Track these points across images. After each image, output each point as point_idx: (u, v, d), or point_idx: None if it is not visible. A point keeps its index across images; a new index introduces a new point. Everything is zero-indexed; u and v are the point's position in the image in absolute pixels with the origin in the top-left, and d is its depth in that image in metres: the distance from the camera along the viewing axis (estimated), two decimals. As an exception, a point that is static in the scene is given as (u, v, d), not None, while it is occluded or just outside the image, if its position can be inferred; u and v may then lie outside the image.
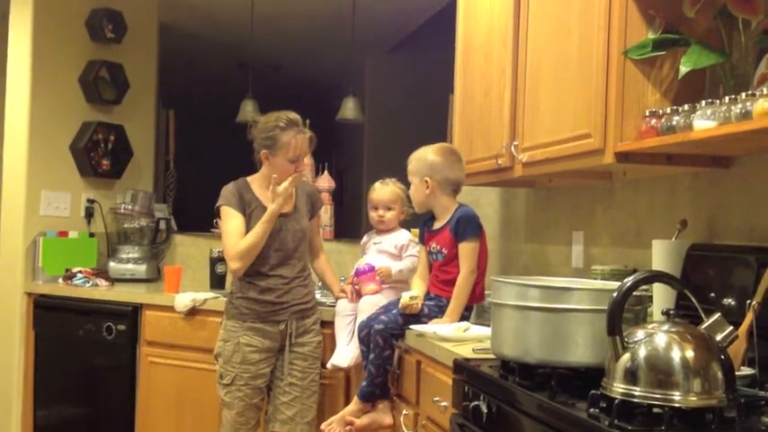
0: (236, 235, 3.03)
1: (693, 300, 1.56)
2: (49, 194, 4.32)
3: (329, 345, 3.21)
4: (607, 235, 2.82)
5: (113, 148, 4.50)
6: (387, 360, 2.76)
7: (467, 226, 2.75)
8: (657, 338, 1.47)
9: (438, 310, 2.77)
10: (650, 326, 1.51)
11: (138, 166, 4.72)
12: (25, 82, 4.23)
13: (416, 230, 3.15)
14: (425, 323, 2.69)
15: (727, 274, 1.99)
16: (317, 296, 3.65)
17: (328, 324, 3.24)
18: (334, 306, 3.26)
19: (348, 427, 2.81)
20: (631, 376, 1.46)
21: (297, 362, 3.13)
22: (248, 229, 3.05)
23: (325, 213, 4.11)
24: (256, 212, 3.07)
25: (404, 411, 2.66)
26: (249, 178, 3.16)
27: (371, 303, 3.03)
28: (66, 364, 4.06)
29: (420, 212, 2.95)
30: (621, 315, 1.49)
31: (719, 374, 1.44)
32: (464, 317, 2.75)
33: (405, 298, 2.77)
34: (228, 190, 3.10)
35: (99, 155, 4.45)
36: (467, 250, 2.73)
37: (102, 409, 3.95)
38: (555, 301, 1.77)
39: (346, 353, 3.11)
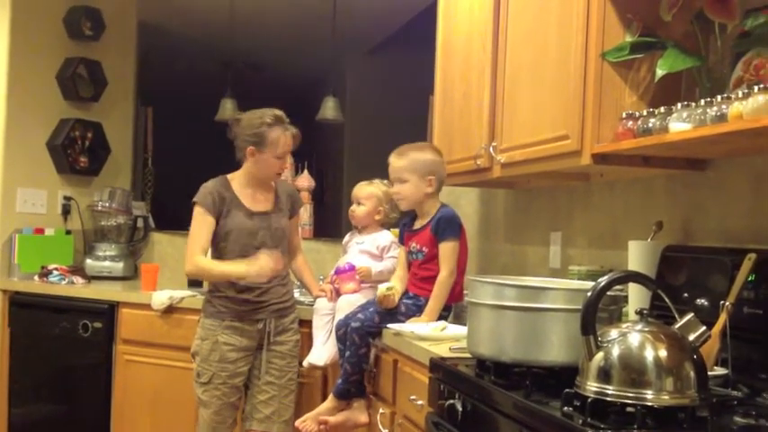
0: (201, 238, 3.02)
1: (667, 300, 1.57)
2: (26, 191, 4.29)
3: (307, 343, 3.21)
4: (584, 236, 2.84)
5: (91, 145, 4.48)
6: (363, 358, 2.77)
7: (447, 226, 2.76)
8: (631, 338, 1.48)
9: (416, 309, 2.77)
10: (624, 325, 1.53)
11: (115, 164, 4.69)
12: (2, 78, 4.19)
13: (396, 230, 3.15)
14: (403, 321, 2.70)
15: (701, 275, 2.02)
16: (296, 295, 3.65)
17: (307, 323, 3.24)
18: (312, 305, 3.26)
19: (322, 426, 2.81)
20: (604, 375, 1.47)
21: (275, 360, 3.13)
22: (222, 226, 3.04)
23: (305, 212, 4.11)
24: (235, 211, 3.06)
25: (380, 410, 2.66)
26: (230, 176, 3.14)
27: (350, 302, 3.03)
28: (41, 362, 4.02)
29: (405, 210, 2.95)
30: (595, 315, 1.50)
31: (692, 374, 1.46)
32: (442, 316, 2.76)
33: (381, 289, 2.77)
34: (207, 188, 3.08)
35: (76, 152, 4.42)
36: (447, 250, 2.74)
37: (78, 408, 3.92)
38: (531, 301, 1.78)
39: (323, 351, 3.11)
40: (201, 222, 3.04)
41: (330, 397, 2.86)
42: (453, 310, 2.76)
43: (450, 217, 2.79)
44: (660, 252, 2.20)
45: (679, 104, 1.89)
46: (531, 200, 3.21)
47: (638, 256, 2.25)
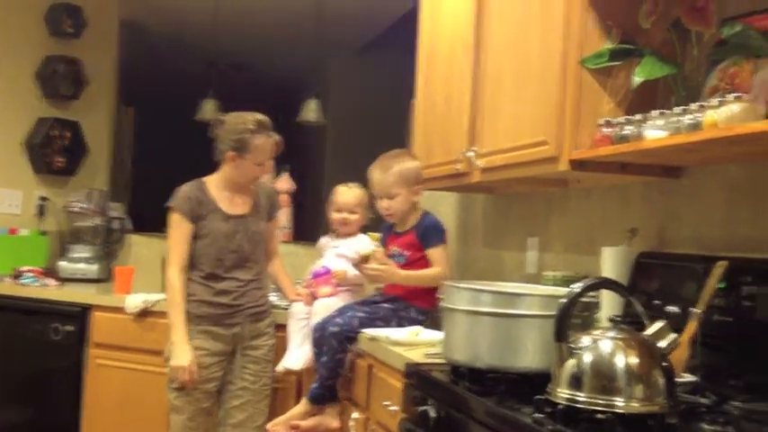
0: (179, 249, 3.01)
1: (638, 307, 1.57)
2: (1, 191, 4.23)
3: (282, 348, 3.18)
4: (561, 241, 2.84)
5: (68, 145, 4.43)
6: (339, 363, 2.75)
7: (434, 234, 2.82)
8: (602, 345, 1.47)
9: (392, 314, 2.77)
10: (596, 332, 1.52)
11: (93, 164, 4.64)
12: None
13: (374, 234, 3.13)
14: (380, 326, 2.69)
15: (673, 282, 2.02)
16: (273, 298, 3.62)
17: (282, 327, 3.21)
18: (288, 309, 3.23)
19: (294, 430, 2.79)
20: (576, 382, 1.46)
21: (249, 365, 3.10)
22: (199, 230, 3.02)
23: (284, 215, 4.08)
24: (212, 215, 3.03)
25: (354, 415, 2.64)
26: (206, 179, 3.11)
27: (326, 306, 3.01)
28: (11, 365, 3.94)
29: (394, 222, 2.94)
30: (569, 322, 1.50)
31: (661, 381, 1.46)
32: (419, 321, 2.75)
33: (368, 249, 2.79)
34: (183, 193, 3.04)
35: (53, 152, 4.37)
36: (439, 254, 2.79)
37: (48, 412, 3.85)
38: (506, 307, 1.78)
39: (299, 355, 3.08)
40: (179, 231, 3.01)
41: (303, 401, 2.84)
42: (430, 316, 2.75)
43: (436, 224, 2.85)
44: (633, 258, 2.20)
45: (655, 112, 1.89)
46: (510, 205, 3.21)
47: (611, 261, 2.25)
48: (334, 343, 2.72)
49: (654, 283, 2.07)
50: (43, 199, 4.40)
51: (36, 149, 4.31)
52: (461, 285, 1.87)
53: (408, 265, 2.81)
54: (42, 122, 4.35)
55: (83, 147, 4.54)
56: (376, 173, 2.88)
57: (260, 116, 3.04)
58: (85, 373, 3.76)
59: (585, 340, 1.50)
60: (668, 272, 2.04)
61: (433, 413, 1.82)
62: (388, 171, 2.85)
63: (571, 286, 1.55)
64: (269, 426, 2.89)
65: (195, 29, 5.19)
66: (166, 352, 3.06)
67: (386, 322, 2.74)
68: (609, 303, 2.12)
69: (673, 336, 1.53)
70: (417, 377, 2.03)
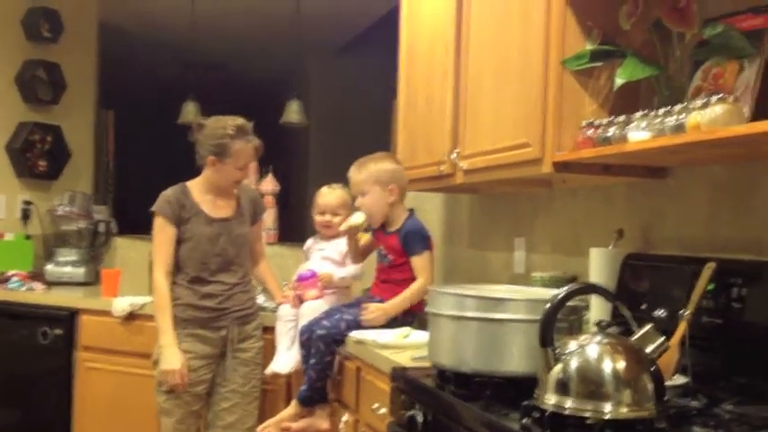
0: (164, 254, 3.01)
1: (625, 312, 1.57)
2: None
3: (270, 350, 3.18)
4: (547, 242, 2.84)
5: (50, 148, 4.41)
6: (327, 365, 2.75)
7: (416, 240, 2.79)
8: (589, 350, 1.47)
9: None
10: (582, 337, 1.52)
11: (76, 168, 4.62)
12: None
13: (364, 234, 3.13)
14: (366, 328, 2.68)
15: (661, 284, 2.02)
16: (260, 301, 3.62)
17: (270, 329, 3.21)
18: (276, 311, 3.23)
19: None
20: (563, 388, 1.46)
21: (238, 368, 3.10)
22: (183, 233, 3.02)
23: (269, 217, 4.07)
24: (195, 219, 3.03)
25: (344, 417, 2.64)
26: (189, 183, 3.10)
27: (313, 308, 3.01)
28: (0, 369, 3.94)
29: (375, 225, 2.93)
30: (553, 327, 1.50)
31: (649, 386, 1.46)
32: (407, 323, 2.75)
33: (356, 222, 2.82)
34: (165, 197, 3.04)
35: (35, 156, 4.35)
36: (421, 263, 2.77)
37: (38, 416, 3.85)
38: (491, 311, 1.78)
39: (287, 359, 3.08)
40: (162, 235, 3.02)
41: (293, 403, 2.84)
42: (418, 318, 2.75)
43: (417, 230, 2.82)
44: (621, 260, 2.21)
45: (638, 114, 1.89)
46: (495, 205, 3.21)
47: (599, 263, 2.25)
48: (322, 346, 2.72)
49: (642, 285, 2.07)
50: (27, 203, 4.38)
51: (17, 154, 4.29)
52: (446, 290, 1.87)
53: (393, 267, 2.81)
54: (23, 127, 4.33)
55: (65, 150, 4.52)
56: (352, 170, 2.90)
57: (240, 120, 3.03)
58: (75, 376, 3.77)
59: (572, 345, 1.50)
60: (656, 274, 2.05)
61: (420, 418, 1.83)
62: (361, 169, 2.87)
63: (555, 292, 1.55)
64: (259, 428, 2.90)
65: (173, 31, 5.16)
66: (155, 355, 3.06)
67: (371, 325, 2.73)
68: (598, 306, 2.13)
69: (660, 339, 1.54)
70: (404, 381, 2.03)
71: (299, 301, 3.10)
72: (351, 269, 3.17)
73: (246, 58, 5.49)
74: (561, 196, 2.74)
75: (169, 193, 3.06)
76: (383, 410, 2.23)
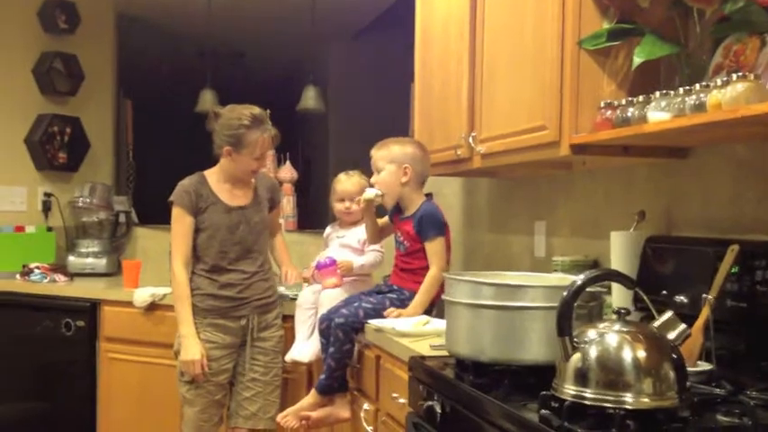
0: (182, 245, 3.01)
1: (645, 298, 1.53)
2: (4, 189, 4.23)
3: (291, 339, 3.17)
4: (568, 225, 2.80)
5: (70, 140, 4.42)
6: (346, 354, 2.73)
7: (429, 225, 2.73)
8: (608, 338, 1.44)
9: (400, 305, 2.73)
10: (601, 325, 1.48)
11: (95, 158, 4.63)
12: (-25, 74, 4.12)
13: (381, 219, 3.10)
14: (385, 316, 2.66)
15: (684, 267, 1.98)
16: (281, 290, 3.61)
17: (290, 318, 3.20)
18: (296, 299, 3.22)
19: (304, 421, 2.78)
20: (582, 378, 1.43)
21: (259, 357, 3.09)
22: (201, 223, 3.01)
23: (288, 204, 4.06)
24: (213, 208, 3.02)
25: (364, 406, 2.62)
26: (206, 172, 3.09)
27: (332, 297, 2.99)
28: (25, 361, 3.98)
29: (389, 207, 2.90)
30: (571, 315, 1.46)
31: (672, 374, 1.42)
32: (426, 311, 2.72)
33: (369, 195, 2.78)
34: (183, 187, 3.04)
35: (55, 148, 4.36)
36: (434, 249, 2.71)
37: (64, 407, 3.89)
38: (508, 299, 1.74)
39: (307, 347, 3.07)
40: (180, 225, 3.01)
41: (312, 392, 2.82)
42: (437, 306, 2.72)
43: (432, 214, 2.76)
44: (642, 242, 2.16)
45: (657, 93, 1.84)
46: (515, 189, 3.17)
47: (620, 246, 2.21)
48: (341, 334, 2.70)
49: (664, 268, 2.02)
50: (48, 195, 4.39)
51: (37, 146, 4.30)
52: (462, 278, 1.83)
53: (410, 254, 2.78)
54: (41, 119, 4.34)
55: (84, 142, 4.52)
56: (374, 148, 2.88)
57: (256, 110, 3.00)
58: (98, 367, 3.79)
59: (591, 334, 1.47)
60: (678, 256, 2.00)
61: (438, 408, 1.80)
62: (381, 147, 2.85)
63: (573, 278, 1.51)
64: (279, 417, 2.89)
65: (190, 20, 5.13)
66: (176, 346, 3.07)
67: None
68: (619, 291, 2.08)
69: (682, 326, 1.50)
70: (422, 371, 2.00)
71: (314, 279, 3.08)
72: (370, 257, 3.14)
73: (264, 44, 5.45)
74: (581, 179, 2.69)
75: (186, 182, 3.05)
76: (402, 400, 2.21)
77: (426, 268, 2.72)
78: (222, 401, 3.10)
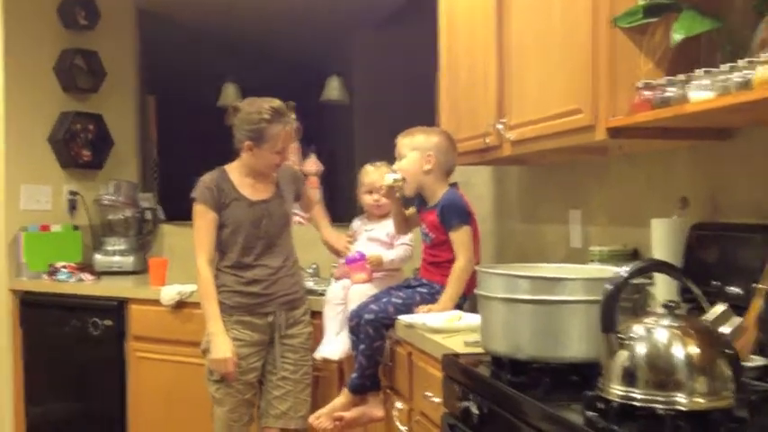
0: (205, 241, 2.96)
1: (695, 290, 1.43)
2: (29, 188, 4.20)
3: (320, 335, 3.10)
4: (605, 213, 2.69)
5: (93, 138, 4.38)
6: (377, 351, 2.66)
7: (452, 214, 2.64)
8: (657, 334, 1.34)
9: (430, 299, 2.65)
10: (648, 320, 1.39)
11: (120, 155, 4.59)
12: (-1, 73, 4.09)
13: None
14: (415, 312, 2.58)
15: (733, 255, 1.87)
16: (310, 284, 3.55)
17: (319, 314, 3.13)
18: (324, 294, 3.15)
19: (337, 422, 2.71)
20: (630, 377, 1.33)
21: (288, 354, 3.03)
22: (224, 218, 2.96)
23: (314, 198, 3.97)
24: (235, 203, 2.97)
25: (397, 405, 2.55)
26: (228, 167, 3.04)
27: (361, 292, 2.92)
28: (55, 360, 3.97)
29: (409, 194, 2.82)
30: (615, 310, 1.37)
31: (727, 371, 1.32)
32: (458, 305, 2.64)
33: (388, 180, 2.72)
34: (204, 183, 2.98)
35: (79, 145, 4.32)
36: (459, 238, 2.62)
37: (94, 405, 3.87)
38: (546, 293, 1.65)
39: (337, 344, 3.00)
40: (203, 222, 2.96)
41: (344, 391, 2.75)
42: (469, 299, 2.63)
43: (453, 202, 2.67)
44: (686, 230, 2.05)
45: (699, 71, 1.73)
46: (547, 176, 3.06)
47: (662, 235, 2.11)
48: (371, 331, 2.62)
49: (711, 257, 1.91)
50: (73, 193, 4.36)
51: (61, 144, 4.26)
52: (496, 271, 1.74)
53: (436, 247, 2.70)
54: (64, 117, 4.30)
55: (108, 139, 4.48)
56: (399, 136, 2.80)
57: (276, 102, 2.94)
58: (127, 366, 3.76)
59: (638, 329, 1.37)
60: (726, 244, 1.89)
61: (475, 410, 1.72)
62: (408, 134, 2.78)
63: (616, 270, 1.41)
64: (311, 418, 2.82)
65: (211, 11, 5.07)
66: (204, 344, 3.02)
67: (423, 307, 2.62)
68: (664, 282, 1.97)
69: (737, 320, 1.40)
70: (456, 369, 1.91)
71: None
72: (400, 251, 3.06)
73: (286, 36, 5.36)
74: (618, 163, 2.58)
75: (207, 178, 3.00)
76: (437, 399, 2.13)
77: (454, 260, 2.63)
78: (252, 400, 3.04)
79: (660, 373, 1.31)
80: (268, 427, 3.04)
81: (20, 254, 4.09)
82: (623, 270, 1.40)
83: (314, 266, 3.74)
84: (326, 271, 3.76)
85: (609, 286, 1.38)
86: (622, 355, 1.35)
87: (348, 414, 2.72)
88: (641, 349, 1.34)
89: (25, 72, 4.17)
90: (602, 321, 1.36)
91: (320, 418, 2.76)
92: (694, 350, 1.32)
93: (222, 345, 2.90)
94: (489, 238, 3.47)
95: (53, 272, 4.04)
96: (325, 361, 3.04)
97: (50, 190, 4.30)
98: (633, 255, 2.49)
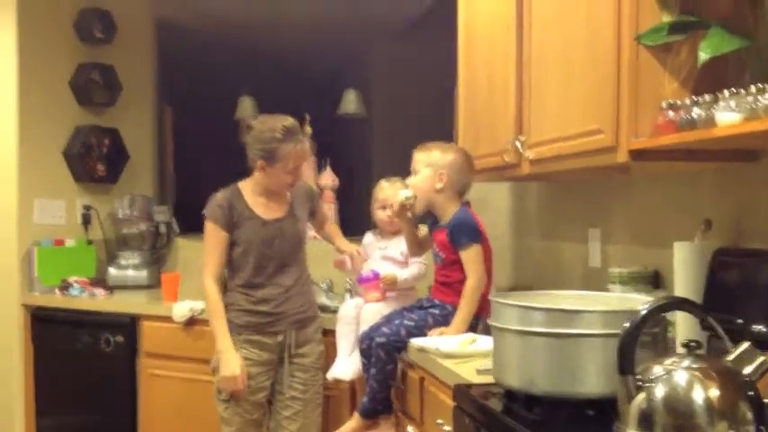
0: (214, 259, 2.92)
1: (718, 329, 1.35)
2: (43, 202, 4.17)
3: (332, 353, 3.03)
4: (625, 232, 2.60)
5: (108, 152, 4.35)
6: (389, 375, 2.59)
7: (461, 233, 2.58)
8: (677, 377, 1.26)
9: (443, 321, 2.58)
10: (668, 361, 1.30)
11: (135, 169, 4.55)
12: (12, 87, 4.06)
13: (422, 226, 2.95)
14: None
15: (758, 282, 1.78)
16: (323, 300, 3.49)
17: (331, 333, 3.06)
18: (336, 312, 3.09)
19: None
20: (647, 421, 1.26)
21: (298, 374, 2.97)
22: (236, 237, 2.91)
23: (329, 212, 3.92)
24: (248, 222, 2.91)
25: (409, 429, 2.47)
26: (241, 185, 2.99)
27: (374, 312, 2.86)
28: (66, 377, 3.93)
29: (419, 212, 2.75)
30: (634, 351, 1.29)
31: (749, 414, 1.24)
32: (471, 327, 2.56)
33: (400, 197, 2.66)
34: (217, 201, 2.94)
35: (93, 159, 4.29)
36: (469, 257, 2.55)
37: (105, 423, 3.83)
38: (562, 326, 1.57)
39: (349, 364, 2.93)
40: (214, 240, 2.92)
41: (355, 415, 2.68)
42: (483, 320, 2.55)
43: (463, 221, 2.60)
44: (710, 254, 1.96)
45: (726, 92, 1.65)
46: (567, 193, 2.98)
47: (684, 259, 2.01)
48: (383, 354, 2.55)
49: (735, 284, 1.82)
50: (87, 208, 4.32)
51: (75, 158, 4.24)
52: (510, 302, 1.66)
53: (447, 267, 2.63)
54: (80, 131, 4.28)
55: (123, 153, 4.46)
56: (415, 150, 2.74)
57: (288, 121, 2.88)
58: (139, 383, 3.72)
59: (656, 370, 1.29)
60: (751, 270, 1.80)
61: (486, 446, 1.64)
62: (424, 149, 2.72)
63: (634, 304, 1.33)
64: (321, 444, 2.74)
65: (229, 23, 5.04)
66: (213, 362, 2.97)
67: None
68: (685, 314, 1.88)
69: (760, 359, 1.31)
70: (468, 401, 1.84)
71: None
72: (414, 269, 2.99)
73: (304, 48, 5.31)
74: (639, 183, 2.49)
75: (220, 196, 2.95)
76: (447, 428, 2.05)
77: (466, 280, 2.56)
78: (260, 420, 2.98)
79: (679, 417, 1.24)
80: (278, 447, 2.98)
81: (33, 268, 4.06)
82: (643, 307, 1.31)
83: (327, 282, 3.68)
84: (341, 287, 3.69)
85: (627, 325, 1.30)
86: (640, 398, 1.27)
87: (359, 439, 2.65)
88: (659, 392, 1.26)
89: (41, 86, 4.15)
90: (619, 363, 1.28)
91: (330, 443, 2.69)
92: (714, 393, 1.24)
93: (231, 362, 2.85)
94: (506, 253, 3.39)
95: (65, 287, 4.01)
96: (337, 381, 2.97)
97: (64, 204, 4.27)
98: (654, 277, 2.40)
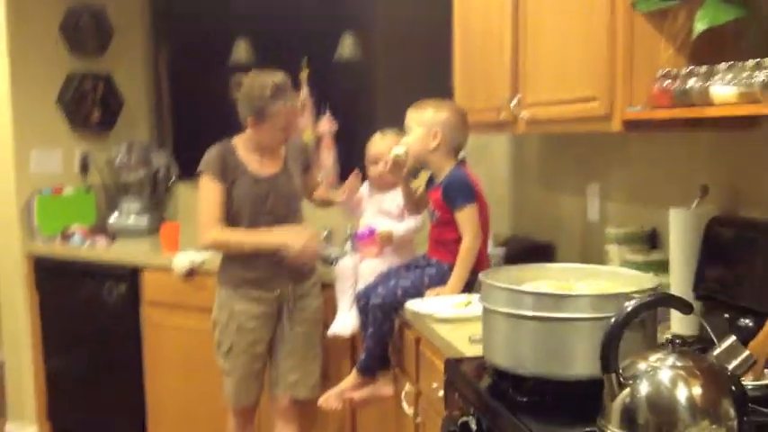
0: (214, 209, 2.86)
1: (707, 327, 1.34)
2: (40, 151, 4.13)
3: (331, 308, 3.05)
4: (623, 190, 2.58)
5: (102, 98, 4.28)
6: (386, 333, 2.61)
7: (456, 192, 2.55)
8: (660, 375, 1.26)
9: (439, 280, 2.57)
10: (653, 357, 1.30)
11: (131, 115, 4.49)
12: (1, 35, 3.96)
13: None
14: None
15: (754, 253, 1.76)
16: (328, 250, 3.48)
17: (331, 287, 3.07)
18: (335, 264, 3.09)
19: (347, 403, 2.68)
20: (629, 419, 1.26)
21: (297, 327, 3.00)
22: (231, 194, 2.88)
23: (328, 159, 3.87)
24: (241, 179, 2.88)
25: (406, 387, 2.50)
26: (235, 140, 2.95)
27: (372, 267, 2.86)
28: (71, 325, 3.98)
29: (408, 170, 2.72)
30: (617, 348, 1.28)
31: (731, 411, 1.24)
32: (469, 282, 2.56)
33: (392, 154, 2.63)
34: (211, 155, 2.90)
35: (88, 106, 4.23)
36: (464, 217, 2.53)
37: (112, 371, 3.88)
38: (551, 310, 1.55)
39: (348, 320, 2.95)
40: (211, 191, 2.87)
41: (353, 372, 2.71)
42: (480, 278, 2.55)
43: (456, 181, 2.57)
44: (705, 222, 1.94)
45: (723, 65, 1.60)
46: (567, 146, 2.94)
47: (680, 226, 2.00)
48: (379, 315, 2.56)
49: (730, 254, 1.81)
50: (84, 156, 4.29)
51: (70, 106, 4.18)
52: (499, 285, 1.65)
53: (442, 225, 2.60)
54: (72, 78, 4.20)
55: (118, 99, 4.39)
56: (409, 109, 2.69)
57: (278, 78, 2.82)
58: (143, 332, 3.75)
59: (640, 366, 1.29)
60: (747, 240, 1.78)
61: (474, 425, 1.65)
62: (418, 108, 2.66)
63: (624, 305, 1.32)
64: (321, 400, 2.78)
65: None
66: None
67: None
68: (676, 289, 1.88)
69: (745, 354, 1.30)
70: (458, 377, 1.85)
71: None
72: (411, 223, 2.97)
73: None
74: (638, 141, 2.44)
75: (214, 151, 2.92)
76: (441, 393, 2.07)
77: (461, 240, 2.55)
78: (261, 371, 3.02)
79: (661, 414, 1.24)
80: (277, 396, 3.03)
81: (32, 218, 4.05)
82: (628, 304, 1.30)
83: (327, 232, 3.67)
84: (340, 236, 3.68)
85: (611, 323, 1.29)
86: (623, 394, 1.27)
87: (357, 395, 2.69)
88: (643, 389, 1.26)
89: (30, 33, 4.04)
90: (602, 361, 1.28)
91: (329, 398, 2.73)
92: (697, 391, 1.24)
93: (292, 235, 2.85)
94: (505, 203, 3.38)
95: (66, 236, 4.01)
96: (337, 337, 2.99)
97: (61, 152, 4.22)
98: (651, 236, 2.39)
